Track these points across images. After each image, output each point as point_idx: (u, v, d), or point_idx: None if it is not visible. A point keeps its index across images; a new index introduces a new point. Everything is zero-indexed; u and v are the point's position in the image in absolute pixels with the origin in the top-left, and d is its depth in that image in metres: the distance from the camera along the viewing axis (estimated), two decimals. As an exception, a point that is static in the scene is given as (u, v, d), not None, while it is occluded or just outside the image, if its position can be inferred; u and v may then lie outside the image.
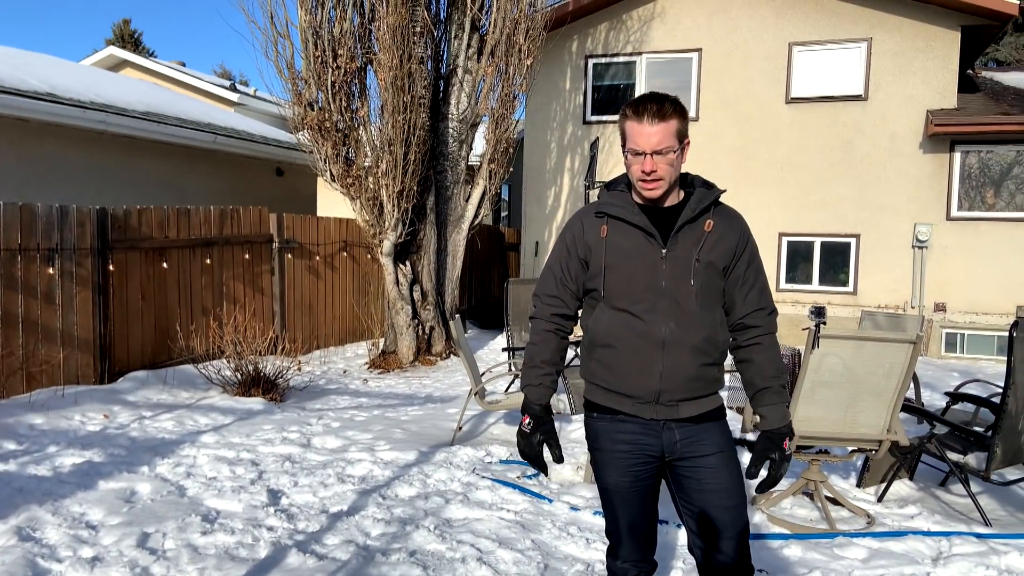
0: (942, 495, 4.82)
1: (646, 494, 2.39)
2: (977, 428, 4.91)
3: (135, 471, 4.80)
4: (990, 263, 10.75)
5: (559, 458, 2.43)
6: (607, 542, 2.50)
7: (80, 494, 4.34)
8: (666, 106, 2.21)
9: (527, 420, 2.41)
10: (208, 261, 8.38)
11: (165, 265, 7.83)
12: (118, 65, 17.80)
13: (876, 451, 4.39)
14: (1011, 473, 4.79)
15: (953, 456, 4.51)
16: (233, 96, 16.82)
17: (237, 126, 12.09)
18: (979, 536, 3.99)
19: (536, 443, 2.41)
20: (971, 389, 6.54)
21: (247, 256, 8.91)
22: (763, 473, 2.37)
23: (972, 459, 4.45)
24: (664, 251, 2.27)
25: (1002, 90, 11.88)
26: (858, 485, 4.89)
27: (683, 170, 2.35)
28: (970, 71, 12.76)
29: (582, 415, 6.47)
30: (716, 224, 2.30)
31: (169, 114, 10.47)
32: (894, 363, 4.15)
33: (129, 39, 34.03)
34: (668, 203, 2.32)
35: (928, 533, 4.05)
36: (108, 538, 3.77)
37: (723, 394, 2.45)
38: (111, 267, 7.22)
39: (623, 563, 2.44)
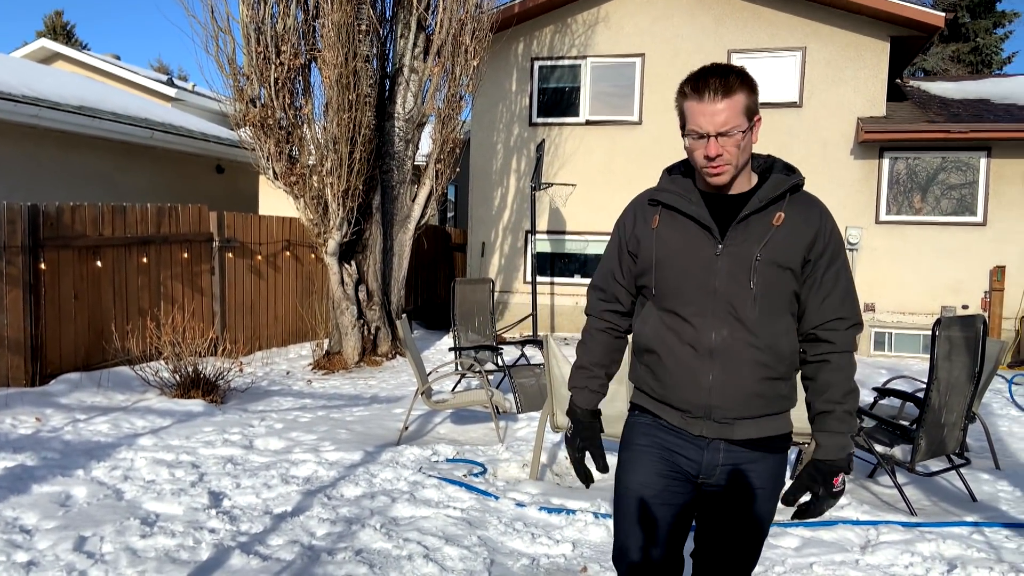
0: (870, 486, 5.03)
1: (673, 519, 2.08)
2: (903, 422, 5.15)
3: (70, 475, 4.67)
4: (916, 265, 11.22)
5: (602, 468, 2.16)
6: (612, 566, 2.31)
7: (13, 498, 4.21)
8: (731, 79, 1.88)
9: (569, 424, 2.22)
10: (145, 260, 8.18)
11: (99, 264, 7.62)
12: (50, 58, 17.17)
13: (809, 444, 4.56)
14: (934, 464, 5.03)
15: (880, 449, 4.71)
16: (171, 91, 16.40)
17: (175, 122, 11.81)
18: (905, 525, 4.19)
19: (576, 449, 2.18)
20: (897, 385, 6.84)
21: (186, 255, 8.72)
22: (804, 498, 2.06)
23: (898, 451, 4.66)
24: (720, 247, 1.95)
25: (928, 99, 12.41)
26: (791, 477, 5.06)
27: (753, 151, 2.01)
28: (899, 80, 13.29)
29: (528, 414, 6.55)
30: (788, 217, 1.95)
31: (105, 108, 10.17)
32: (826, 360, 4.32)
33: (61, 31, 32.84)
34: (736, 190, 2.00)
35: (857, 522, 4.23)
36: (43, 542, 3.67)
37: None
38: (43, 266, 6.99)
39: None
